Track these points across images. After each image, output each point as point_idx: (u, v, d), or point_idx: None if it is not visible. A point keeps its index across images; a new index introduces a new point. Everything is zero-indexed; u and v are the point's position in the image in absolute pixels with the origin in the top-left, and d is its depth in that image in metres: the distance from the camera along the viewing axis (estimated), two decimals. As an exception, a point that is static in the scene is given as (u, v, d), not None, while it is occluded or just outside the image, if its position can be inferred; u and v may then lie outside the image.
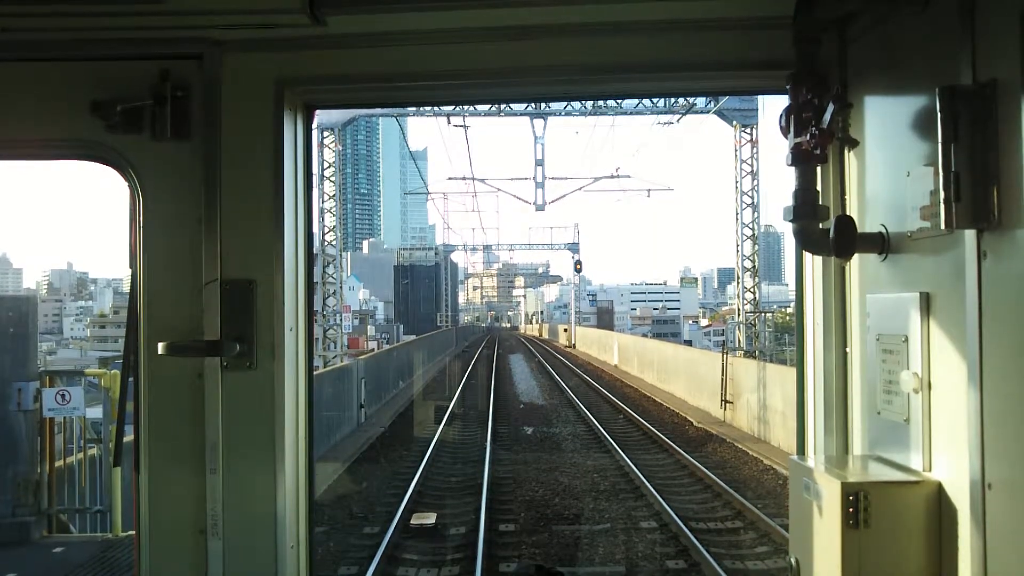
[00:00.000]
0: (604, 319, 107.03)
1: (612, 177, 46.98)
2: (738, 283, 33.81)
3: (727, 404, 23.98)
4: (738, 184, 32.92)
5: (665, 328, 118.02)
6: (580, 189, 49.05)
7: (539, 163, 44.90)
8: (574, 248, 73.47)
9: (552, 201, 46.76)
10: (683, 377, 30.21)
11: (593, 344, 61.87)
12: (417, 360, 40.47)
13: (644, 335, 73.68)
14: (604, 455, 19.43)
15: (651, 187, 50.64)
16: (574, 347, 69.76)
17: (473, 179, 51.93)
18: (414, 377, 36.73)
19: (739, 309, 33.93)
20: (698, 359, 30.43)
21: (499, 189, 58.42)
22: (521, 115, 35.28)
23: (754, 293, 33.53)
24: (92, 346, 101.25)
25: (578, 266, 71.79)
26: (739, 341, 33.48)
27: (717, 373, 24.70)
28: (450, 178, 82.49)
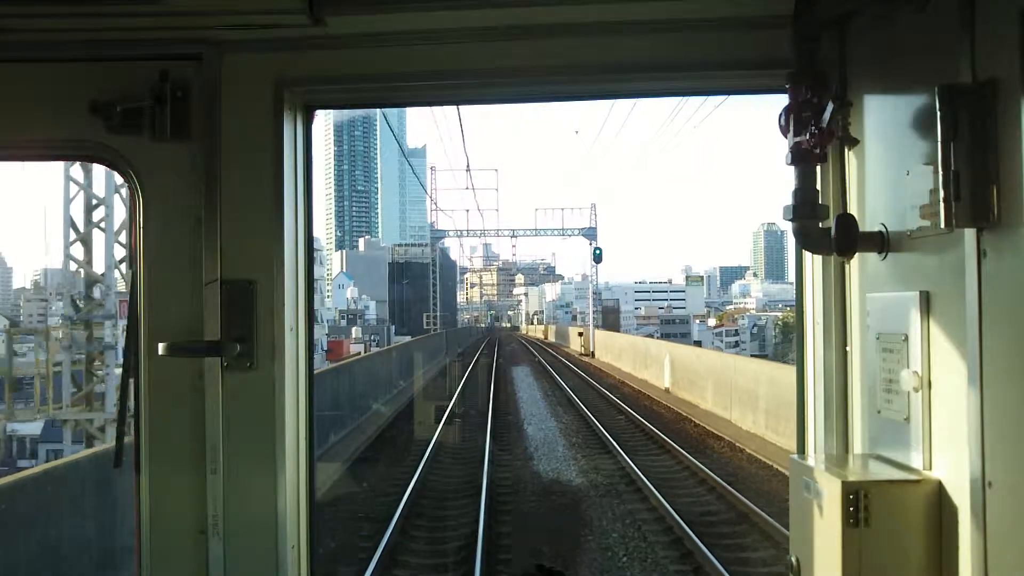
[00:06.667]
0: (609, 319, 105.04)
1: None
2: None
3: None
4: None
5: (673, 328, 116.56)
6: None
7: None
8: (590, 234, 59.98)
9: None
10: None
11: (622, 354, 44.69)
12: (388, 376, 30.09)
13: (650, 335, 70.66)
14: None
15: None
16: (592, 356, 54.68)
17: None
18: (374, 408, 25.53)
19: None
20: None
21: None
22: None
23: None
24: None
25: (597, 255, 59.87)
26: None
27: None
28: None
